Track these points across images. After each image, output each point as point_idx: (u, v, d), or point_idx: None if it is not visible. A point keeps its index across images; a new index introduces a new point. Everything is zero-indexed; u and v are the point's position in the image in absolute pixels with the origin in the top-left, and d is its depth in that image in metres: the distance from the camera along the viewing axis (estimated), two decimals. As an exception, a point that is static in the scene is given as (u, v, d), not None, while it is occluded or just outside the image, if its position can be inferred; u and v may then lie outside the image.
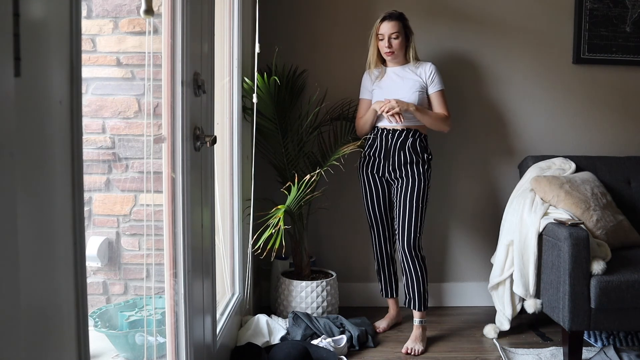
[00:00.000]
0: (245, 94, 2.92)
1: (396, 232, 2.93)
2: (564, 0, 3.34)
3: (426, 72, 2.92)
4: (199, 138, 1.88)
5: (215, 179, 2.25)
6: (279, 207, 2.85)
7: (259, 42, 2.79)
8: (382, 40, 2.90)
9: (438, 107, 2.95)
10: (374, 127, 3.00)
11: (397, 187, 2.93)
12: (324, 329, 2.83)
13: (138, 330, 2.29)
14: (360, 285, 3.46)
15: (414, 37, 2.94)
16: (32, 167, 0.95)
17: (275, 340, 2.77)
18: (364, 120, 3.00)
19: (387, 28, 2.87)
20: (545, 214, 2.80)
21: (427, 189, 2.91)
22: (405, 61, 2.96)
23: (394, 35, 2.87)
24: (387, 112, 2.81)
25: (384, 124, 2.95)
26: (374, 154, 2.97)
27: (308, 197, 2.93)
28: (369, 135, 3.00)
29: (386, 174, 2.96)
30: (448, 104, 2.97)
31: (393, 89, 2.92)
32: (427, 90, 2.94)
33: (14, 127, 0.84)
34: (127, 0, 2.59)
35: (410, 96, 2.88)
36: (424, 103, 2.94)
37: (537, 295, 2.79)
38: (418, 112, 2.85)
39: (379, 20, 2.90)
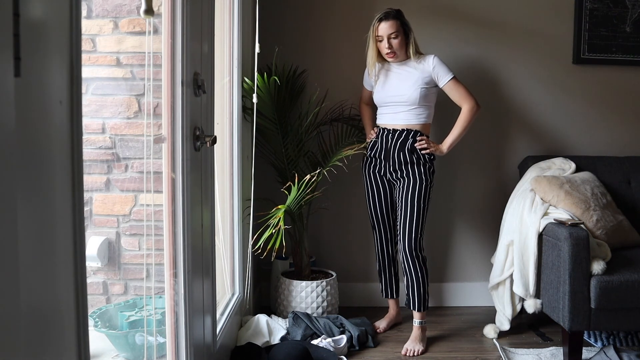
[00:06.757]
0: (245, 94, 2.92)
1: (398, 232, 2.93)
2: (564, 0, 3.34)
3: (429, 67, 2.86)
4: (199, 138, 1.88)
5: (215, 179, 2.25)
6: (279, 207, 2.85)
7: (259, 42, 2.79)
8: (381, 41, 2.87)
9: (457, 98, 2.89)
10: (375, 125, 3.02)
11: (399, 187, 2.93)
12: (324, 329, 2.83)
13: (138, 330, 2.29)
14: (360, 285, 3.46)
15: (413, 32, 2.89)
16: (32, 167, 0.95)
17: (275, 340, 2.77)
18: (362, 116, 3.19)
19: (384, 29, 2.84)
20: (545, 214, 2.80)
21: (430, 189, 2.89)
22: (407, 57, 2.92)
23: (392, 35, 2.84)
24: (420, 149, 2.88)
25: (384, 122, 2.95)
26: (374, 155, 2.97)
27: (308, 197, 2.93)
28: (372, 138, 3.00)
29: (388, 175, 2.96)
30: (465, 87, 2.88)
31: (394, 86, 2.91)
32: (435, 85, 2.89)
33: (14, 127, 0.84)
34: (127, 0, 2.59)
35: (412, 93, 2.86)
36: (429, 98, 2.90)
37: (537, 295, 2.79)
38: (455, 141, 2.92)
39: (376, 22, 2.85)
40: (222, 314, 2.50)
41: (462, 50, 3.33)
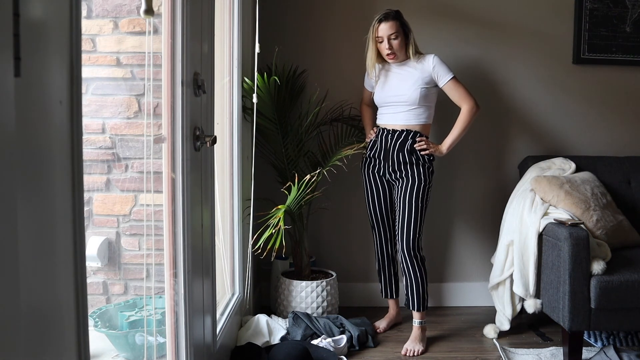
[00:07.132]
0: (245, 94, 2.92)
1: (397, 232, 2.93)
2: (564, 0, 3.34)
3: (429, 66, 2.86)
4: (199, 138, 1.88)
5: (215, 179, 2.25)
6: (279, 207, 2.85)
7: (259, 42, 2.79)
8: (381, 42, 2.87)
9: (456, 98, 2.89)
10: (375, 125, 3.02)
11: (398, 187, 2.93)
12: (324, 329, 2.83)
13: (138, 330, 2.29)
14: (360, 285, 3.46)
15: (412, 32, 2.89)
16: (32, 167, 0.95)
17: (275, 340, 2.77)
18: (363, 117, 3.19)
19: (384, 30, 2.84)
20: (545, 214, 2.80)
21: (428, 190, 2.90)
22: (407, 58, 2.92)
23: (393, 36, 2.84)
24: (419, 150, 2.88)
25: (384, 122, 2.95)
26: (374, 155, 2.97)
27: (308, 197, 2.93)
28: (371, 137, 3.00)
29: (387, 175, 2.96)
30: (465, 87, 2.89)
31: (394, 87, 2.91)
32: (435, 84, 2.89)
33: (14, 127, 0.84)
34: (127, 0, 2.59)
35: (412, 93, 2.86)
36: (429, 98, 2.90)
37: (537, 295, 2.79)
38: (455, 141, 2.92)
39: (375, 23, 2.85)
40: (222, 314, 2.50)
41: (462, 50, 3.33)
